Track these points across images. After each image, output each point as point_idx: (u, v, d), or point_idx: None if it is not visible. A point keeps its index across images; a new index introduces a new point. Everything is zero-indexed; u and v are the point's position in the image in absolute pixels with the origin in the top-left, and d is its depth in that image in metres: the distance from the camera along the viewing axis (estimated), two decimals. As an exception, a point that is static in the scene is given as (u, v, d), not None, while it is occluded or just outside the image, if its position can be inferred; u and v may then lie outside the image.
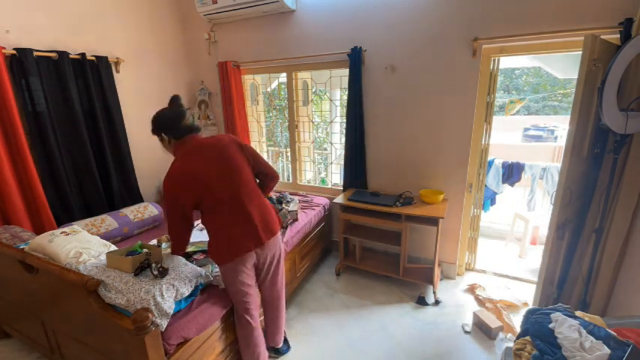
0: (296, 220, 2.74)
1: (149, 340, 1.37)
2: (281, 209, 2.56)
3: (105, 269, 1.61)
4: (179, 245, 1.75)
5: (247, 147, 1.75)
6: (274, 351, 2.13)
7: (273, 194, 3.06)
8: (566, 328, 1.36)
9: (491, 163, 3.36)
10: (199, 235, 2.24)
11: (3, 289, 2.06)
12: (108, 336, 1.54)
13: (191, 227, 1.69)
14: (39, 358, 2.14)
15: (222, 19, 3.25)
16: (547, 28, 2.20)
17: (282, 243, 2.18)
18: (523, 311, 2.20)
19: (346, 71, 2.90)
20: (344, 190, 3.15)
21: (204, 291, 1.79)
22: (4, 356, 2.17)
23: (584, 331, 1.32)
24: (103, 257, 1.81)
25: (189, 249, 2.01)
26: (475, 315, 2.34)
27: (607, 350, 1.23)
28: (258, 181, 1.82)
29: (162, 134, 1.60)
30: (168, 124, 1.58)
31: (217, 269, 1.88)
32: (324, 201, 3.19)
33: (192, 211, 1.61)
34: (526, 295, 2.63)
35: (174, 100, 1.64)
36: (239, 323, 1.83)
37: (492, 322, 2.25)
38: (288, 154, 3.66)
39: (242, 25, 3.28)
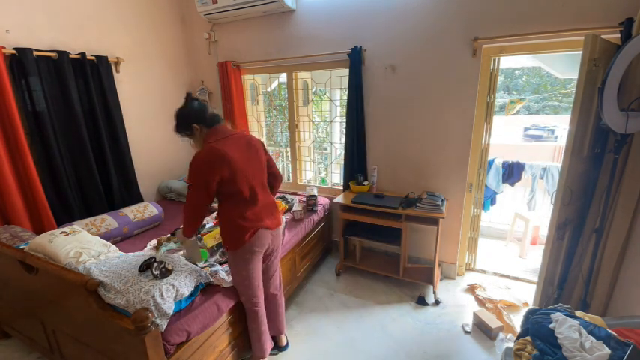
0: (301, 220, 2.74)
1: (149, 340, 1.37)
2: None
3: (103, 270, 1.61)
4: (192, 222, 1.69)
5: (266, 148, 1.91)
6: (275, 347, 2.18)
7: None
8: (566, 328, 1.35)
9: (491, 163, 3.36)
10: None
11: (3, 289, 2.06)
12: (108, 336, 1.54)
13: (207, 209, 1.67)
14: (39, 358, 2.14)
15: (222, 19, 3.25)
16: (547, 28, 2.20)
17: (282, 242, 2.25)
18: (523, 311, 2.20)
19: (346, 71, 2.89)
20: (344, 190, 3.15)
21: (205, 290, 1.79)
22: (4, 356, 2.17)
23: (584, 331, 1.32)
24: (103, 257, 1.81)
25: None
26: (475, 315, 2.34)
27: (607, 350, 1.23)
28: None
29: (194, 125, 1.64)
30: (197, 114, 1.64)
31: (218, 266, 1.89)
32: (324, 201, 3.19)
33: (213, 194, 1.62)
34: (526, 295, 2.63)
35: (188, 95, 1.70)
36: (248, 315, 1.93)
37: (492, 322, 2.25)
38: (288, 154, 3.66)
39: (242, 25, 3.28)
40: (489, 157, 2.86)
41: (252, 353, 2.01)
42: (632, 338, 1.31)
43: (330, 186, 3.69)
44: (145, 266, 1.59)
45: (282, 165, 4.23)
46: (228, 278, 1.88)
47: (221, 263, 2.04)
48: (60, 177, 2.53)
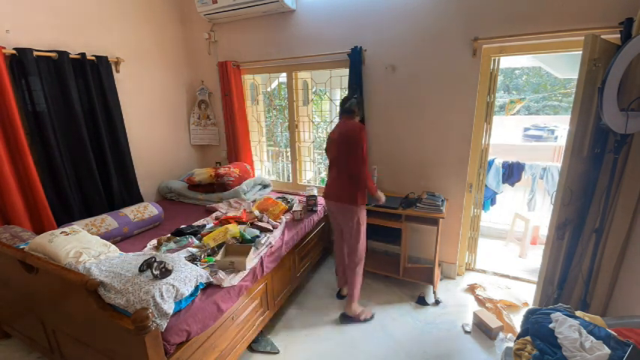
0: (301, 220, 2.74)
1: (149, 340, 1.36)
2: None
3: (103, 270, 1.61)
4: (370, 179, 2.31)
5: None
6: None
7: (273, 194, 3.07)
8: (566, 328, 1.35)
9: (491, 163, 3.36)
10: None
11: (3, 289, 2.06)
12: (108, 336, 1.54)
13: None
14: (39, 358, 2.14)
15: (222, 19, 3.25)
16: (547, 28, 2.20)
17: None
18: (523, 311, 2.20)
19: (346, 71, 2.89)
20: (344, 190, 3.15)
21: (205, 290, 1.78)
22: (4, 356, 2.17)
23: (584, 331, 1.32)
24: (103, 257, 1.81)
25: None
26: (475, 315, 2.34)
27: (607, 350, 1.23)
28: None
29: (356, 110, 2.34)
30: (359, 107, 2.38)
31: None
32: (324, 201, 3.18)
33: None
34: (526, 295, 2.63)
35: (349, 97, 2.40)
36: (358, 270, 2.46)
37: (492, 322, 2.25)
38: (288, 154, 3.66)
39: (242, 25, 3.28)
40: (489, 157, 2.87)
41: (352, 300, 2.44)
42: (632, 338, 1.31)
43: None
44: (145, 266, 1.59)
45: (282, 165, 4.23)
46: (229, 278, 1.88)
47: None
48: (60, 177, 2.53)
